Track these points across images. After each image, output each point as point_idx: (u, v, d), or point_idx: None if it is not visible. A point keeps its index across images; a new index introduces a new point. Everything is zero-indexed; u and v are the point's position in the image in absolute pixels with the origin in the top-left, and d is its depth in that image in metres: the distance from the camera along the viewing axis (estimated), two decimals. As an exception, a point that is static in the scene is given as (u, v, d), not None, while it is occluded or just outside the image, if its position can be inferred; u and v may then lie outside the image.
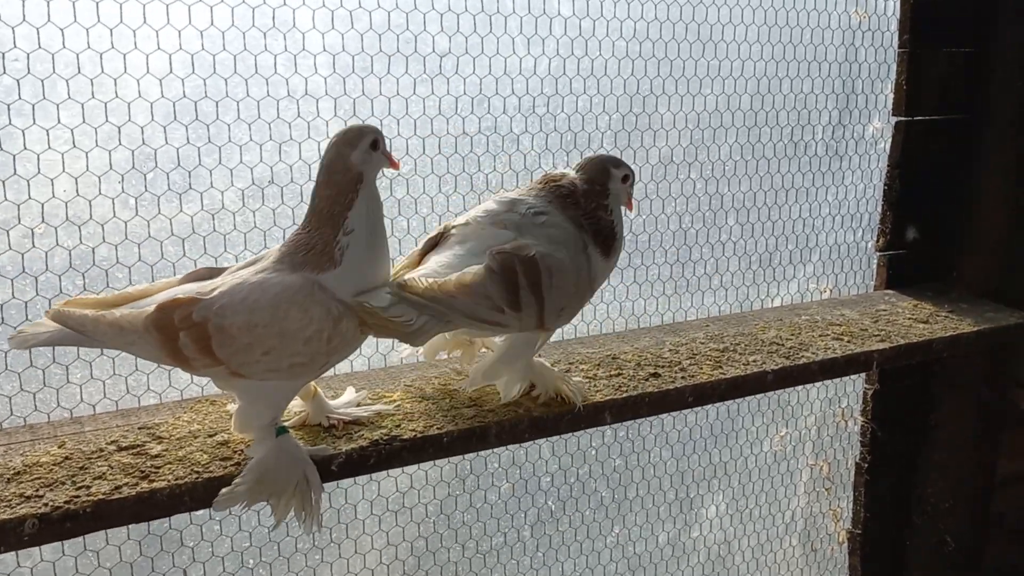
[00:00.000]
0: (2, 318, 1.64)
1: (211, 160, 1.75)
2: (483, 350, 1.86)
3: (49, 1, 1.56)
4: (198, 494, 1.48)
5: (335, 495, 2.00)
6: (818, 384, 2.64)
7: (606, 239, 1.70)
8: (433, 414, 1.73)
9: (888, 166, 2.58)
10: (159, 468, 1.50)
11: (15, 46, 1.56)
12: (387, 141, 1.49)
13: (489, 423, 1.72)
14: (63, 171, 1.63)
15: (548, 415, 1.77)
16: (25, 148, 1.59)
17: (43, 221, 1.64)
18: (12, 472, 1.48)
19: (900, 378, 2.64)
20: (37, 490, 1.43)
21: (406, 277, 1.50)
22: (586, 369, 1.96)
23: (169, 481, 1.47)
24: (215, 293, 1.39)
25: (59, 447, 1.56)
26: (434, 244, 1.66)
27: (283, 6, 1.75)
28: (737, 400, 2.37)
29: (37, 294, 1.65)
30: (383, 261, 1.50)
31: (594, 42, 2.10)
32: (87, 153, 1.64)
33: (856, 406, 2.72)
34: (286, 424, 1.57)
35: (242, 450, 1.54)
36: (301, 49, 1.79)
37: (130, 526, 1.70)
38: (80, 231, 1.67)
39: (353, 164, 1.43)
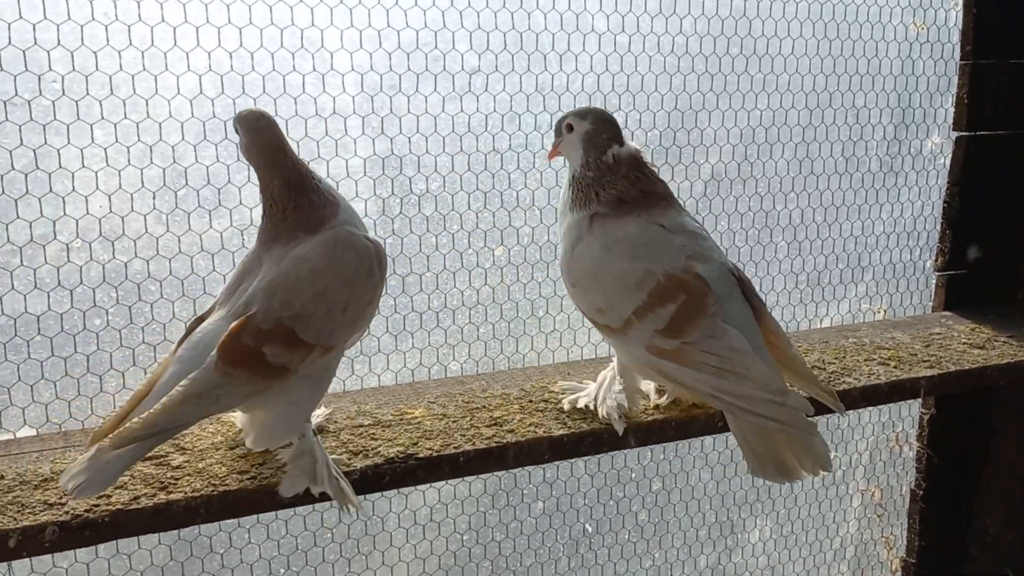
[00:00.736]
0: (39, 329, 1.70)
1: (240, 177, 1.79)
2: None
3: (83, 25, 1.62)
4: (213, 507, 1.51)
5: (365, 506, 2.01)
6: (871, 408, 2.54)
7: None
8: (452, 432, 1.73)
9: (947, 183, 2.47)
10: (178, 480, 1.54)
11: (51, 68, 1.62)
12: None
13: (508, 444, 1.71)
14: (97, 188, 1.69)
15: (569, 436, 1.75)
16: (61, 166, 1.66)
17: (78, 236, 1.70)
18: (40, 479, 1.53)
19: (958, 403, 2.52)
20: (60, 498, 1.48)
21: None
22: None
23: (186, 493, 1.50)
24: (259, 299, 1.41)
25: (86, 455, 1.61)
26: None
27: (311, 27, 1.78)
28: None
29: (72, 306, 1.72)
30: None
31: (630, 58, 2.07)
32: (120, 171, 1.70)
33: (912, 431, 2.62)
34: None
35: (260, 463, 1.57)
36: (329, 68, 1.82)
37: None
38: (113, 246, 1.72)
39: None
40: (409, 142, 1.90)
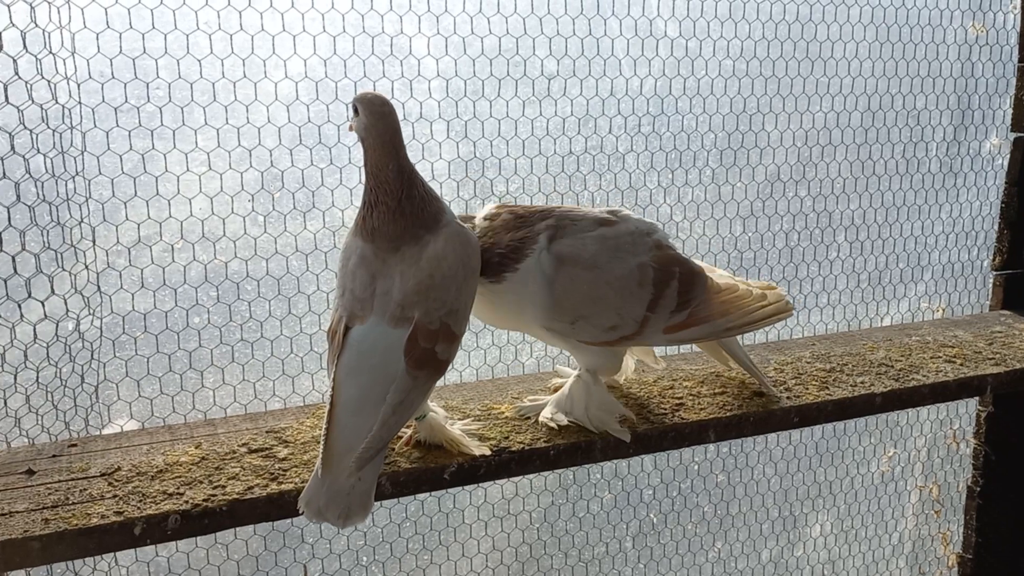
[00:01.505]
0: (145, 327, 1.78)
1: (332, 180, 1.86)
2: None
3: (189, 34, 1.69)
4: (318, 497, 1.57)
5: (444, 500, 2.08)
6: (928, 405, 2.58)
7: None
8: (539, 427, 1.78)
9: (1006, 183, 2.51)
10: (286, 471, 1.60)
11: (158, 76, 1.69)
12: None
13: (594, 438, 1.75)
14: (200, 191, 1.76)
15: (652, 432, 1.80)
16: (167, 170, 1.73)
17: (182, 238, 1.77)
18: (156, 470, 1.60)
19: (1015, 400, 2.56)
20: (178, 488, 1.54)
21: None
22: (689, 386, 1.98)
23: (296, 484, 1.56)
24: (415, 302, 1.48)
25: (196, 447, 1.68)
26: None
27: (400, 34, 1.85)
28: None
29: (176, 305, 1.79)
30: None
31: (700, 62, 2.13)
32: (221, 175, 1.76)
33: (968, 428, 2.65)
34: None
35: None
36: (417, 75, 1.88)
37: (255, 523, 1.83)
38: (215, 247, 1.79)
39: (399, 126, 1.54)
40: (491, 145, 1.96)
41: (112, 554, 1.82)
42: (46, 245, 1.65)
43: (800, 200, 2.34)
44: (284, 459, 1.64)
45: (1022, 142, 2.48)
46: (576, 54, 2.00)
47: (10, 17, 1.54)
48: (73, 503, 1.51)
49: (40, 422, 1.72)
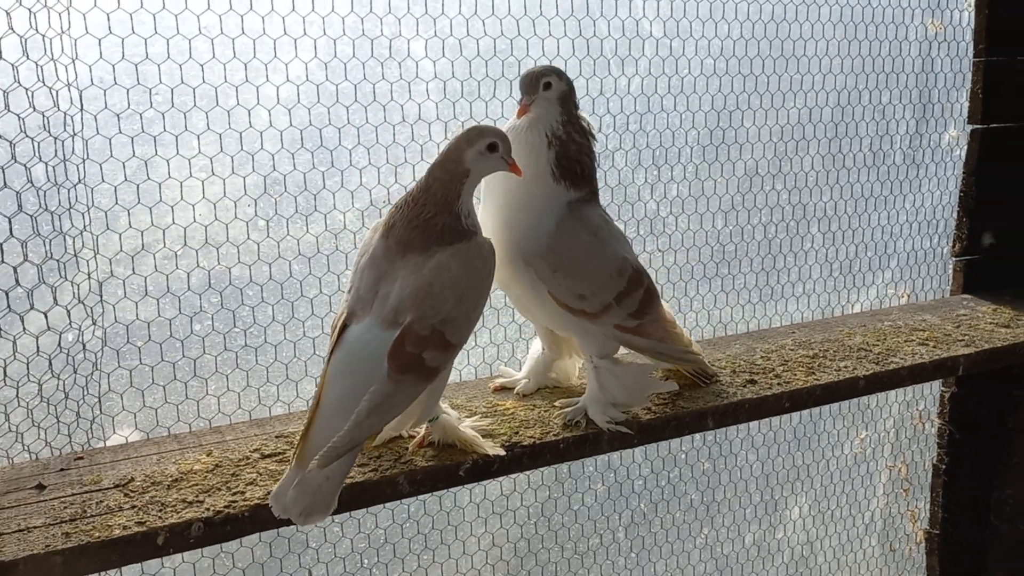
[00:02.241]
0: (149, 335, 1.75)
1: (334, 183, 1.86)
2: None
3: (191, 39, 1.68)
4: (342, 499, 1.56)
5: (444, 498, 2.10)
6: (907, 386, 2.68)
7: None
8: (547, 421, 1.81)
9: (964, 173, 2.63)
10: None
11: (160, 82, 1.68)
12: (511, 147, 1.57)
13: (601, 430, 1.80)
14: (202, 197, 1.74)
15: (655, 421, 1.85)
16: (169, 176, 1.71)
17: (184, 244, 1.75)
18: (171, 479, 1.58)
19: (978, 380, 2.68)
20: (197, 496, 1.53)
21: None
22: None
23: (314, 487, 1.57)
24: (410, 307, 1.48)
25: (207, 455, 1.67)
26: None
27: (398, 36, 1.86)
28: (818, 403, 2.44)
29: (179, 312, 1.77)
30: None
31: (683, 61, 2.19)
32: (224, 180, 1.75)
33: (933, 408, 2.77)
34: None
35: (377, 456, 1.64)
36: (415, 76, 1.90)
37: (260, 529, 1.82)
38: (217, 252, 1.78)
39: (464, 159, 1.53)
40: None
41: (116, 569, 1.79)
42: (48, 255, 1.62)
43: (777, 193, 2.42)
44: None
45: (979, 134, 2.60)
46: (567, 54, 2.04)
47: (10, 23, 1.51)
48: (92, 516, 1.49)
49: (44, 436, 1.69)
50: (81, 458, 1.68)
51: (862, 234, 2.59)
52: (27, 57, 1.53)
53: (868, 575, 2.88)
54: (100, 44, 1.61)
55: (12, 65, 1.52)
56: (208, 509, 1.50)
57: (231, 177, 1.76)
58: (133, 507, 1.51)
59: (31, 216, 1.58)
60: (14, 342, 1.62)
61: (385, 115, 1.88)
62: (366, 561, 2.06)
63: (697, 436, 2.45)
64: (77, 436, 1.72)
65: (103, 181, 1.66)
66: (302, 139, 1.81)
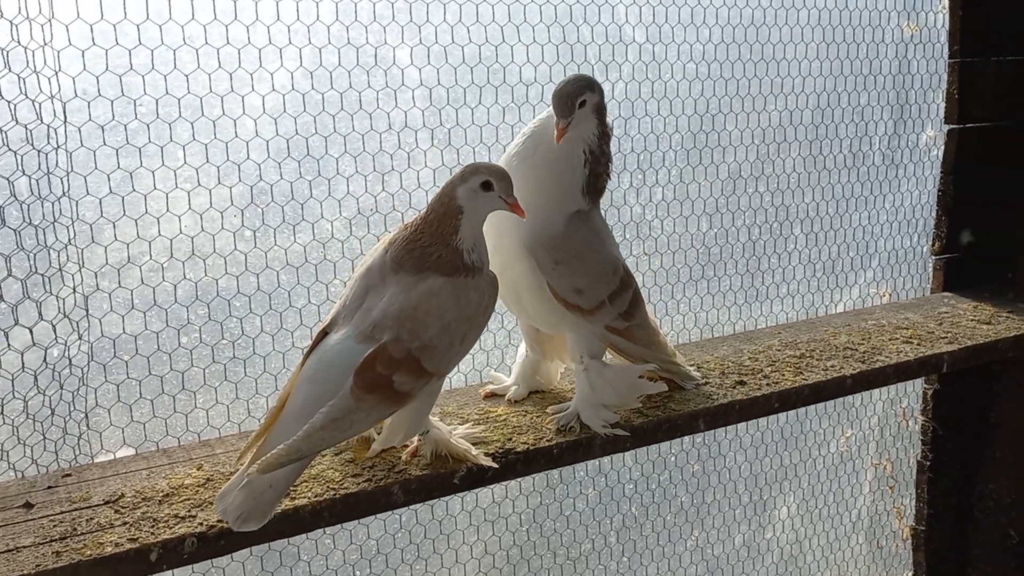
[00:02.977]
0: (136, 349, 1.73)
1: (320, 192, 1.85)
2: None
3: (176, 49, 1.66)
4: (336, 510, 1.56)
5: (437, 507, 2.09)
6: (893, 384, 2.70)
7: None
8: (540, 427, 1.81)
9: (942, 173, 2.67)
10: (296, 487, 1.58)
11: (145, 93, 1.66)
12: (512, 186, 1.54)
13: (594, 434, 1.80)
14: (188, 208, 1.73)
15: (647, 425, 1.85)
16: (155, 188, 1.69)
17: (171, 256, 1.73)
18: (162, 494, 1.56)
19: (959, 377, 2.71)
20: (190, 510, 1.51)
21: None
22: (673, 379, 2.04)
23: (309, 499, 1.55)
24: (389, 327, 1.46)
25: (198, 469, 1.65)
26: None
27: (384, 44, 1.85)
28: (805, 403, 2.46)
29: (166, 325, 1.75)
30: None
31: (666, 66, 2.20)
32: (210, 190, 1.74)
33: (916, 406, 2.80)
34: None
35: (370, 466, 1.63)
36: (400, 84, 1.89)
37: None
38: (204, 264, 1.76)
39: (457, 196, 1.52)
40: (473, 152, 1.98)
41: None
42: (33, 269, 1.60)
43: (759, 195, 2.43)
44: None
45: (955, 134, 2.63)
46: (551, 60, 2.04)
47: (-9, 35, 1.49)
48: (82, 533, 1.47)
49: (30, 453, 1.66)
50: (69, 475, 1.65)
51: (843, 234, 2.62)
52: (9, 69, 1.51)
53: (856, 573, 2.90)
54: (83, 55, 1.59)
55: (-7, 78, 1.50)
56: (201, 524, 1.48)
57: (217, 187, 1.75)
58: (124, 523, 1.49)
59: (14, 230, 1.56)
60: (-2, 359, 1.60)
61: (371, 123, 1.87)
62: (358, 573, 2.05)
63: (686, 438, 2.45)
64: (64, 453, 1.69)
65: (88, 194, 1.64)
66: (288, 148, 1.80)
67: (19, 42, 1.52)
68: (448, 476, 1.65)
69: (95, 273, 1.68)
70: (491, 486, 2.15)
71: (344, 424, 1.41)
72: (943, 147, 2.64)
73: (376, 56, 1.85)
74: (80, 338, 1.68)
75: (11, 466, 1.65)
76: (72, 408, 1.69)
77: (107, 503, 1.55)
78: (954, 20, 2.58)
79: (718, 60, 2.28)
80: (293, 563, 1.95)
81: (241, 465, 1.48)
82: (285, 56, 1.76)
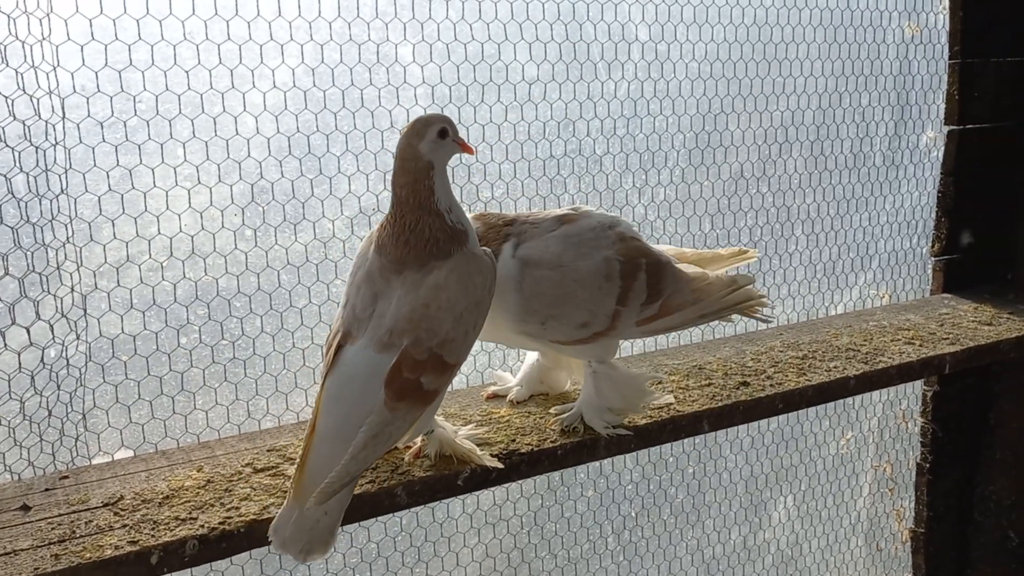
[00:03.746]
0: (135, 349, 1.71)
1: (322, 191, 1.83)
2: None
3: (176, 45, 1.64)
4: (342, 512, 1.55)
5: (438, 509, 2.07)
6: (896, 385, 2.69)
7: None
8: (543, 428, 1.79)
9: (942, 174, 2.66)
10: (298, 488, 1.56)
11: (144, 89, 1.63)
12: (457, 128, 1.53)
13: (599, 436, 1.78)
14: (188, 206, 1.70)
15: (652, 426, 1.84)
16: (154, 186, 1.67)
17: (170, 255, 1.71)
18: (161, 497, 1.54)
19: (959, 378, 2.71)
20: (190, 513, 1.49)
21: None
22: (676, 380, 2.03)
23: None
24: (405, 330, 1.44)
25: (198, 471, 1.62)
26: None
27: (386, 42, 1.83)
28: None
29: (166, 325, 1.72)
30: None
31: (670, 65, 2.18)
32: (210, 188, 1.72)
33: (916, 407, 2.79)
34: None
35: (374, 467, 1.61)
36: (403, 82, 1.87)
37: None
38: (204, 263, 1.74)
39: (422, 153, 1.48)
40: (475, 151, 1.96)
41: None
42: (30, 268, 1.57)
43: (762, 196, 2.42)
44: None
45: (955, 135, 2.63)
46: (554, 59, 2.02)
47: (-11, 30, 1.46)
48: (81, 536, 1.44)
49: (26, 455, 1.63)
50: (66, 477, 1.63)
51: (844, 235, 2.61)
52: (6, 64, 1.49)
53: (855, 575, 2.89)
54: (82, 51, 1.56)
55: (-9, 73, 1.47)
56: (203, 526, 1.46)
57: (218, 186, 1.72)
58: (124, 526, 1.46)
59: (12, 228, 1.53)
60: (-5, 359, 1.57)
61: (373, 121, 1.85)
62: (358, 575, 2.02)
63: (686, 439, 2.44)
64: (61, 455, 1.67)
65: (86, 191, 1.61)
66: (290, 146, 1.78)
67: (17, 37, 1.49)
68: (452, 477, 1.63)
69: (93, 272, 1.65)
70: (493, 488, 2.14)
71: (384, 437, 1.41)
72: (943, 148, 2.63)
73: (378, 53, 1.83)
74: (78, 338, 1.65)
75: (7, 468, 1.63)
76: (69, 409, 1.67)
77: (106, 505, 1.52)
78: (954, 21, 2.57)
79: (721, 60, 2.26)
80: (293, 567, 1.92)
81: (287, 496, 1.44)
82: (287, 52, 1.73)
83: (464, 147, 1.55)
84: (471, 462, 1.63)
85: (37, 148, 1.54)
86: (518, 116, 2.00)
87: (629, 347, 2.22)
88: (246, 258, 1.77)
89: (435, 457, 1.63)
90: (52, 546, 1.41)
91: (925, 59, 2.64)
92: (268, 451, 1.70)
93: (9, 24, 1.48)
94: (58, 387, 1.65)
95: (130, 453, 1.73)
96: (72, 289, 1.62)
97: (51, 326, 1.60)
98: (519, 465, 1.71)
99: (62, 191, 1.58)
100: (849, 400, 2.73)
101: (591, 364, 1.74)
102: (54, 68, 1.54)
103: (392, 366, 1.42)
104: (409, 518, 2.05)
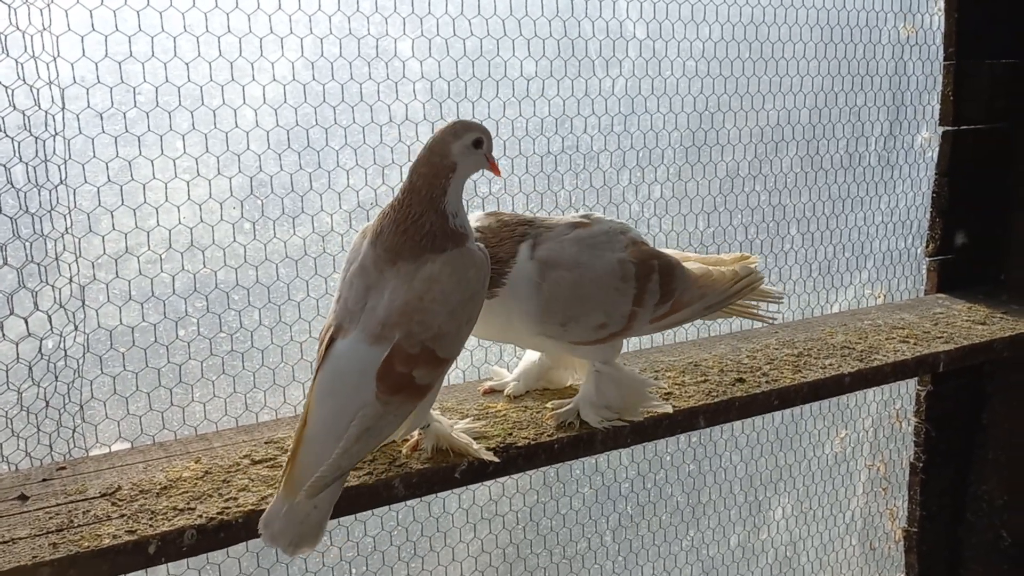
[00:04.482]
0: (133, 341, 1.71)
1: (320, 184, 1.83)
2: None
3: (176, 37, 1.64)
4: (338, 503, 1.54)
5: (434, 504, 2.07)
6: (891, 383, 2.70)
7: None
8: (540, 423, 1.80)
9: (936, 174, 2.68)
10: (296, 479, 1.56)
11: (144, 80, 1.64)
12: (494, 146, 1.54)
13: (595, 430, 1.78)
14: (187, 198, 1.71)
15: (647, 421, 1.84)
16: (153, 177, 1.67)
17: (169, 247, 1.71)
18: (159, 487, 1.54)
19: (952, 378, 2.72)
20: (189, 503, 1.49)
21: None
22: (673, 376, 2.03)
23: (310, 491, 1.53)
24: (398, 323, 1.43)
25: (196, 462, 1.63)
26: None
27: (385, 36, 1.84)
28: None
29: (164, 317, 1.73)
30: None
31: (666, 63, 2.20)
32: (210, 181, 1.72)
33: (909, 407, 2.80)
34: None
35: (371, 459, 1.61)
36: (402, 76, 1.88)
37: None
38: (203, 255, 1.74)
39: (451, 152, 1.49)
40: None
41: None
42: (29, 258, 1.57)
43: (757, 195, 2.43)
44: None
45: (950, 135, 2.64)
46: (552, 55, 2.03)
47: (-11, 20, 1.47)
48: (79, 525, 1.44)
49: (24, 446, 1.63)
50: (64, 468, 1.63)
51: (839, 235, 2.62)
52: (7, 54, 1.49)
53: (849, 574, 2.89)
54: (82, 41, 1.56)
55: (-9, 63, 1.48)
56: (201, 516, 1.46)
57: (217, 178, 1.73)
58: (122, 516, 1.46)
59: (10, 218, 1.53)
60: (-7, 349, 1.57)
61: (372, 115, 1.85)
62: (355, 570, 2.02)
63: (683, 438, 2.45)
64: (58, 446, 1.67)
65: (85, 182, 1.61)
66: (289, 139, 1.78)
67: (17, 26, 1.49)
68: (449, 470, 1.63)
69: (92, 263, 1.65)
70: (489, 484, 2.14)
71: (376, 431, 1.41)
72: (938, 149, 2.65)
73: (377, 47, 1.84)
74: (76, 329, 1.65)
75: (4, 459, 1.63)
76: (67, 400, 1.67)
77: (104, 496, 1.52)
78: (949, 22, 2.59)
79: (718, 58, 2.28)
80: (288, 560, 1.92)
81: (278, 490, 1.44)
82: (286, 46, 1.74)
83: (492, 166, 1.55)
84: (468, 456, 1.63)
85: (36, 138, 1.54)
86: (515, 112, 2.01)
87: (625, 344, 2.22)
88: (244, 251, 1.78)
89: (432, 451, 1.63)
90: (50, 535, 1.41)
91: (920, 60, 2.65)
92: (266, 443, 1.70)
93: (10, 14, 1.49)
94: (56, 378, 1.65)
95: (127, 445, 1.73)
96: (70, 280, 1.62)
97: (49, 317, 1.60)
98: (516, 459, 1.71)
99: (61, 182, 1.59)
100: (844, 399, 2.74)
101: (595, 364, 1.75)
102: (54, 58, 1.54)
103: (384, 360, 1.42)
104: (405, 512, 2.05)
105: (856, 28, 2.50)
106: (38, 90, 1.53)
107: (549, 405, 1.84)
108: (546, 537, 2.27)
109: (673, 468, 2.45)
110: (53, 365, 1.64)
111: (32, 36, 1.51)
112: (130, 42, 1.60)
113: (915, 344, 2.29)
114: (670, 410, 1.83)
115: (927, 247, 2.73)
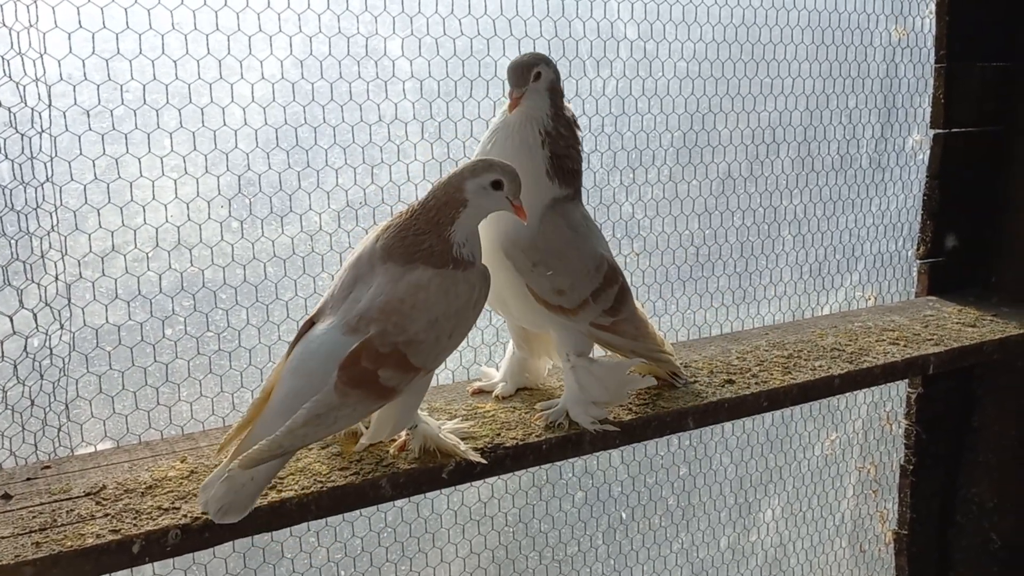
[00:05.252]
0: (119, 339, 1.70)
1: (309, 183, 1.82)
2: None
3: (164, 35, 1.64)
4: (324, 503, 1.54)
5: (423, 505, 2.06)
6: (880, 385, 2.71)
7: None
8: (528, 423, 1.79)
9: (927, 177, 2.68)
10: (283, 479, 1.55)
11: (132, 78, 1.63)
12: (520, 188, 1.51)
13: (584, 430, 1.78)
14: (175, 197, 1.70)
15: (636, 422, 1.84)
16: (140, 175, 1.66)
17: (156, 245, 1.70)
18: (144, 487, 1.53)
19: (942, 381, 2.72)
20: (173, 502, 1.48)
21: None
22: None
23: (296, 491, 1.52)
24: (374, 320, 1.43)
25: (181, 462, 1.62)
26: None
27: (375, 35, 1.84)
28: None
29: (151, 316, 1.72)
30: None
31: (659, 64, 2.19)
32: (197, 179, 1.71)
33: (900, 409, 2.80)
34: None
35: (358, 459, 1.61)
36: (391, 76, 1.87)
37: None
38: (190, 254, 1.73)
39: (464, 188, 1.49)
40: (464, 147, 1.96)
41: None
42: (14, 256, 1.56)
43: (749, 196, 2.43)
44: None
45: (941, 138, 2.65)
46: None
47: (-25, 16, 1.46)
48: (62, 525, 1.43)
49: (8, 445, 1.62)
50: (48, 467, 1.62)
51: (831, 237, 2.62)
52: (-7, 51, 1.48)
53: (839, 577, 2.90)
54: (70, 38, 1.56)
55: (-23, 59, 1.47)
56: (185, 516, 1.45)
57: (204, 177, 1.72)
58: (106, 515, 1.45)
59: (-4, 216, 1.52)
60: (-22, 348, 1.56)
61: (361, 114, 1.85)
62: (343, 572, 2.02)
63: (674, 440, 2.44)
64: (43, 445, 1.66)
65: (72, 180, 1.61)
66: (277, 138, 1.78)
67: (4, 23, 1.49)
68: (436, 470, 1.63)
69: (78, 261, 1.64)
70: (478, 484, 2.13)
71: (328, 420, 1.39)
72: (929, 151, 2.65)
73: (367, 46, 1.83)
74: (62, 328, 1.64)
75: (-12, 458, 1.62)
76: (52, 399, 1.66)
77: (88, 495, 1.52)
78: (941, 25, 2.59)
79: (709, 59, 2.28)
80: (276, 560, 1.92)
81: (224, 456, 1.45)
82: (275, 44, 1.73)
83: (517, 209, 1.53)
84: (455, 456, 1.62)
85: (23, 135, 1.53)
86: (506, 112, 2.00)
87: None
88: (232, 250, 1.77)
89: (419, 451, 1.63)
90: (33, 534, 1.40)
91: (912, 63, 2.66)
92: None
93: (-4, 10, 1.48)
94: (41, 377, 1.64)
95: (113, 444, 1.72)
96: (56, 278, 1.61)
97: (35, 315, 1.59)
98: (504, 459, 1.71)
99: (47, 179, 1.58)
100: (834, 402, 2.74)
101: (569, 359, 1.75)
102: (41, 55, 1.53)
103: (351, 351, 1.41)
104: (394, 514, 2.04)
105: (848, 31, 2.50)
106: (24, 87, 1.52)
107: (538, 406, 1.84)
108: (536, 539, 2.26)
109: (663, 471, 2.44)
110: (39, 364, 1.63)
111: (19, 33, 1.51)
112: (117, 39, 1.60)
113: (905, 346, 2.29)
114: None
115: (918, 249, 2.73)
